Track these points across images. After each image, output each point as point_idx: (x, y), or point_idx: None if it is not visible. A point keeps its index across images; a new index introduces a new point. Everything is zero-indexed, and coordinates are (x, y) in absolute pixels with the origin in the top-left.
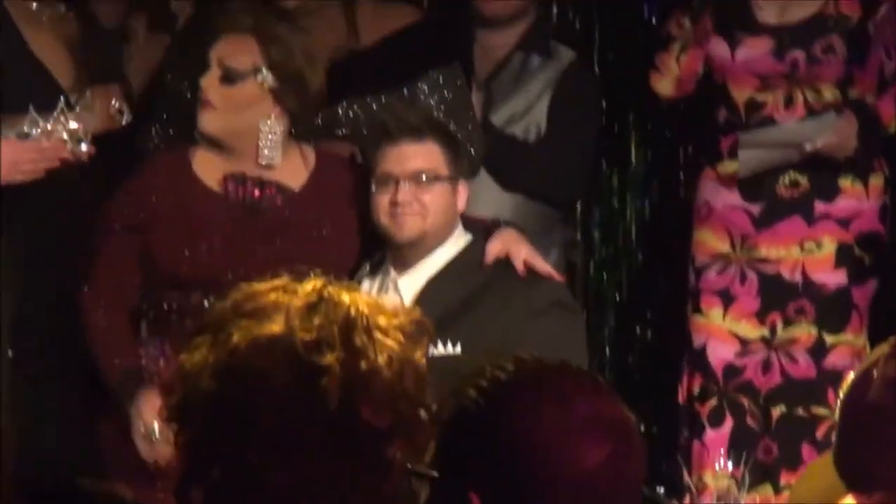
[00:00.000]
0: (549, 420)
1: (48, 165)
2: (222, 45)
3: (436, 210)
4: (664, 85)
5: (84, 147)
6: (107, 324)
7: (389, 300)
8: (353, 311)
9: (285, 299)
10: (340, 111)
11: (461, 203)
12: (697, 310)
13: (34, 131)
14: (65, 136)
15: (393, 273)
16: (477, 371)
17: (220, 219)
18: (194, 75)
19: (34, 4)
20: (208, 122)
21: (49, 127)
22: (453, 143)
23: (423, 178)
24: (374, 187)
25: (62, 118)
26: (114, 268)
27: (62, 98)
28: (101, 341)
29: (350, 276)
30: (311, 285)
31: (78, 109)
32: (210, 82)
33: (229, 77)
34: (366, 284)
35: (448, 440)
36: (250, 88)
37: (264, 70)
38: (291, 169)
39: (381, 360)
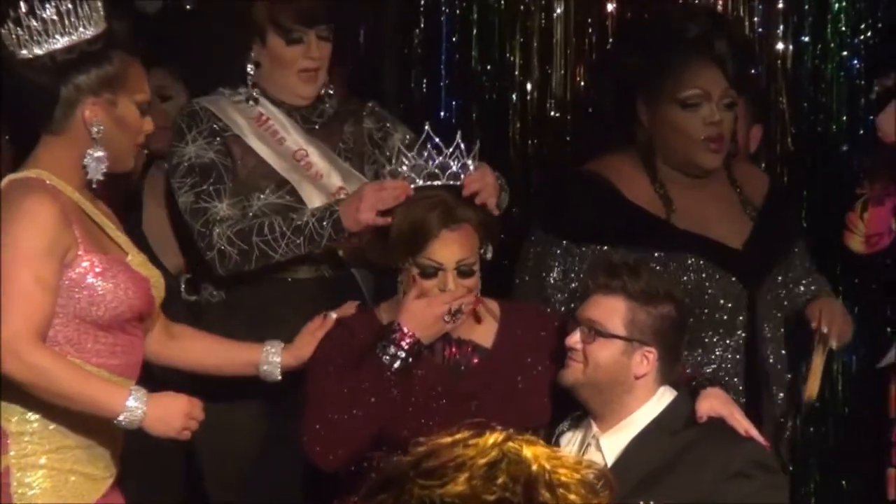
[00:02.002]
0: None
1: None
2: None
3: (596, 365)
4: (855, 242)
5: None
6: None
7: (591, 458)
8: (535, 468)
9: (467, 456)
10: None
11: (641, 370)
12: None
13: None
14: None
15: (595, 429)
16: None
17: (427, 378)
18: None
19: None
20: None
21: None
22: (646, 307)
23: (595, 328)
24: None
25: None
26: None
27: None
28: None
29: (551, 429)
30: (492, 439)
31: None
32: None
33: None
34: (566, 439)
35: None
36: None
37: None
38: (482, 325)
39: None
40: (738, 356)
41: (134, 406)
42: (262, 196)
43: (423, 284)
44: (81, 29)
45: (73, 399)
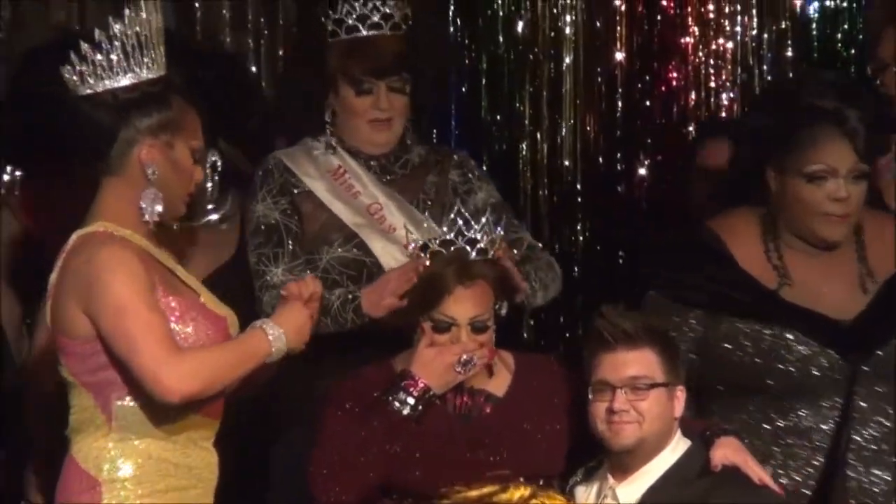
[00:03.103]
0: None
1: None
2: None
3: (653, 417)
4: None
5: None
6: None
7: None
8: None
9: None
10: None
11: (679, 409)
12: None
13: None
14: None
15: (611, 480)
16: None
17: (437, 426)
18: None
19: None
20: None
21: None
22: (670, 348)
23: (640, 385)
24: (591, 394)
25: None
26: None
27: None
28: None
29: (563, 479)
30: (518, 494)
31: None
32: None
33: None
34: (581, 490)
35: None
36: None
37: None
38: (495, 373)
39: None
40: (827, 427)
41: (276, 335)
42: (330, 249)
43: (436, 339)
44: (145, 70)
45: (236, 373)
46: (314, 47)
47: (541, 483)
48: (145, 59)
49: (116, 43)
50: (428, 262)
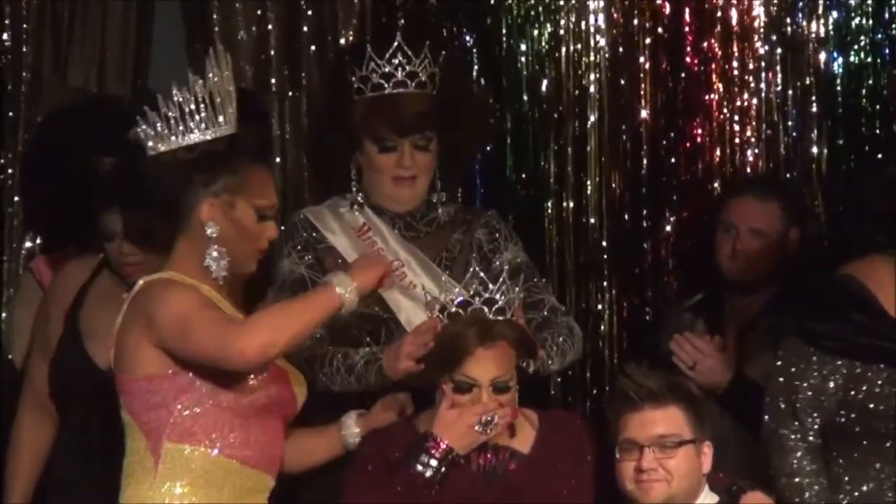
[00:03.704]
0: None
1: None
2: None
3: (682, 475)
4: None
5: None
6: None
7: None
8: None
9: None
10: None
11: (707, 464)
12: None
13: None
14: None
15: None
16: None
17: (461, 486)
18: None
19: None
20: None
21: None
22: (695, 405)
23: (668, 443)
24: (618, 454)
25: None
26: None
27: None
28: None
29: None
30: None
31: None
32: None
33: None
34: None
35: None
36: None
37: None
38: (519, 430)
39: None
40: None
41: (346, 287)
42: None
43: (457, 399)
44: (205, 129)
45: (303, 321)
46: (340, 104)
47: None
48: (206, 119)
49: (173, 105)
50: (446, 322)
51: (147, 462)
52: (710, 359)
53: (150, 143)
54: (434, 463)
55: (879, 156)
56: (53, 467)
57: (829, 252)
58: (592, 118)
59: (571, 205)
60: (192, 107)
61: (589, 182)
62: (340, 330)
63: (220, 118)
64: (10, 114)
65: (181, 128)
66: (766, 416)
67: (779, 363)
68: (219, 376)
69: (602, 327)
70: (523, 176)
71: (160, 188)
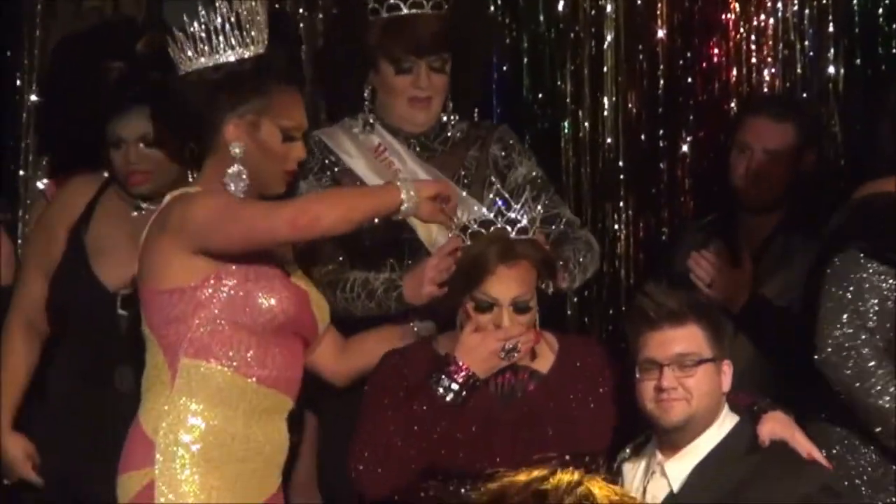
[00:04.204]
0: None
1: None
2: None
3: (701, 393)
4: None
5: None
6: None
7: (657, 486)
8: None
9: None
10: None
11: (726, 383)
12: None
13: None
14: None
15: (660, 456)
16: None
17: (479, 406)
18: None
19: None
20: None
21: None
22: (715, 323)
23: (687, 362)
24: (638, 373)
25: None
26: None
27: None
28: None
29: (610, 457)
30: (566, 480)
31: None
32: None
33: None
34: (628, 467)
35: None
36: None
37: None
38: (539, 353)
39: None
40: None
41: (410, 194)
42: (370, 226)
43: (478, 319)
44: (230, 50)
45: (360, 214)
46: (355, 25)
47: (587, 460)
48: (231, 39)
49: (199, 24)
50: (468, 243)
51: (164, 376)
52: (728, 276)
53: (178, 63)
54: (455, 387)
55: None
56: (50, 388)
57: (845, 172)
58: (609, 38)
59: (588, 125)
60: (219, 26)
61: (606, 102)
62: (363, 253)
63: (248, 39)
64: (27, 35)
65: (207, 48)
66: (826, 337)
67: (836, 281)
68: (240, 294)
69: (618, 247)
70: (540, 96)
71: (186, 107)
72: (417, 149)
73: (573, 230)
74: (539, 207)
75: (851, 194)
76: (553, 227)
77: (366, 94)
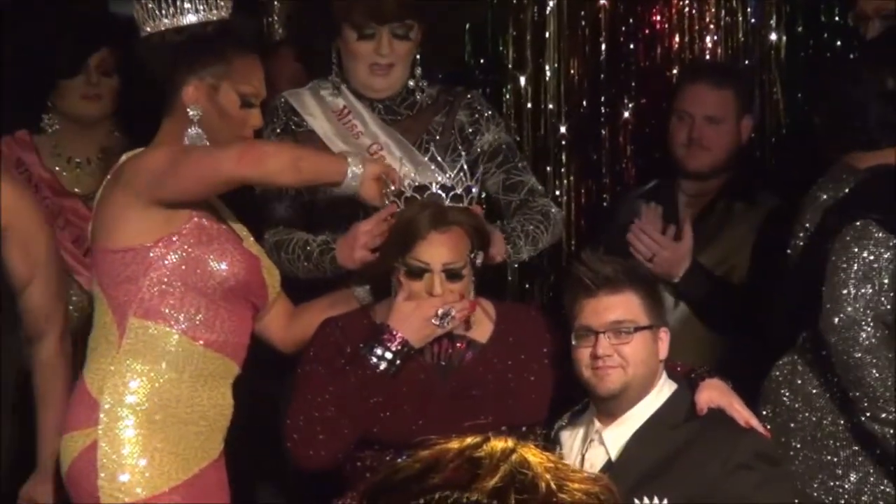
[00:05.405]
0: None
1: None
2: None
3: (638, 361)
4: None
5: None
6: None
7: (595, 453)
8: (542, 485)
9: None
10: None
11: (663, 351)
12: None
13: None
14: None
15: (597, 424)
16: None
17: (416, 376)
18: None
19: None
20: None
21: None
22: (652, 290)
23: (623, 329)
24: (574, 341)
25: None
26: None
27: None
28: None
29: (547, 425)
30: (499, 447)
31: None
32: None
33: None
34: (566, 435)
35: None
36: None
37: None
38: (477, 322)
39: None
40: None
41: (356, 170)
42: (328, 191)
43: (410, 286)
44: (194, 13)
45: (305, 169)
46: None
47: (524, 430)
48: (208, 3)
49: None
50: (401, 208)
51: (112, 336)
52: (668, 250)
53: (143, 24)
54: (389, 356)
55: (839, 43)
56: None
57: (787, 139)
58: (551, 3)
59: (530, 91)
60: None
61: (547, 68)
62: (322, 216)
63: (213, 3)
64: None
65: (172, 10)
66: (837, 310)
67: (848, 252)
68: (192, 256)
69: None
70: (482, 61)
71: (148, 67)
72: (382, 112)
73: (534, 198)
74: (476, 182)
75: (823, 166)
76: (515, 195)
77: (333, 58)
